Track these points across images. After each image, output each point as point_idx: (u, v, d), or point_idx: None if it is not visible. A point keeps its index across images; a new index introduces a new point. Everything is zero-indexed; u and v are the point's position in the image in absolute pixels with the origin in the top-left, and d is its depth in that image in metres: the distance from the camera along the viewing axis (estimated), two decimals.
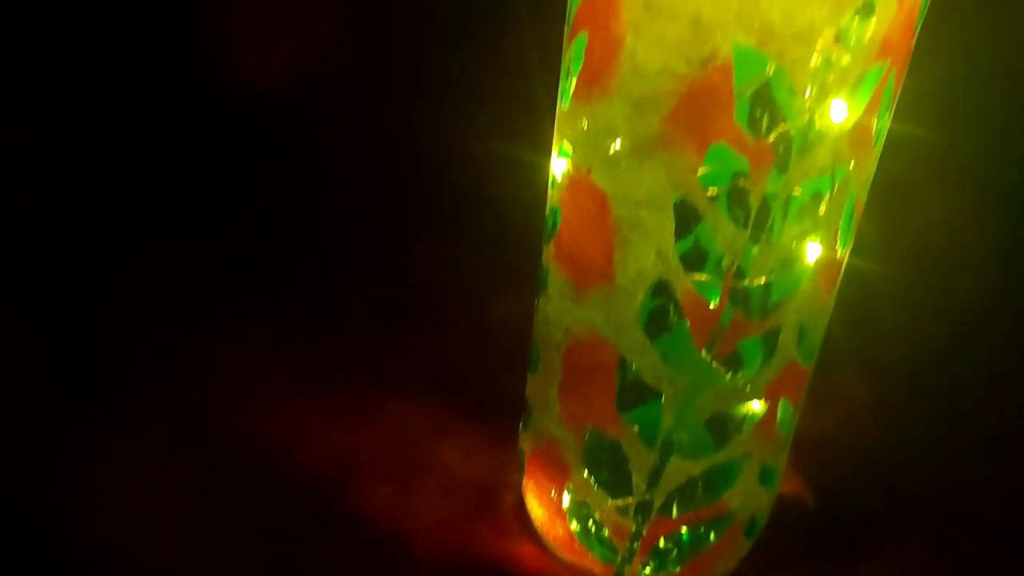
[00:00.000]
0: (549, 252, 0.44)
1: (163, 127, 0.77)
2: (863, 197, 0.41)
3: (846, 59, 0.34)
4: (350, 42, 0.78)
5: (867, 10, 0.33)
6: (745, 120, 0.35)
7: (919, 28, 0.37)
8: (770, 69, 0.34)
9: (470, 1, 0.72)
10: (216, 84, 0.79)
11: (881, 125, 0.38)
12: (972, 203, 0.70)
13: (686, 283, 0.39)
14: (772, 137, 0.35)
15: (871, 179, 0.41)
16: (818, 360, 0.45)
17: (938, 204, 0.70)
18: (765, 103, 0.35)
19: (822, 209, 0.38)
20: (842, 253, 0.41)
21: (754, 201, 0.37)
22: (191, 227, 0.73)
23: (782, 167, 0.36)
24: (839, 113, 0.35)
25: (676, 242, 0.38)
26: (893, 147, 0.42)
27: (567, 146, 0.40)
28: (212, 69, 0.79)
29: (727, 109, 0.35)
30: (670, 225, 0.38)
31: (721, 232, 0.37)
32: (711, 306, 0.39)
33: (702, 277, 0.39)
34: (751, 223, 0.37)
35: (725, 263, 0.38)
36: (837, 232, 0.40)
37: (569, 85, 0.39)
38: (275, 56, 0.80)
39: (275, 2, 0.79)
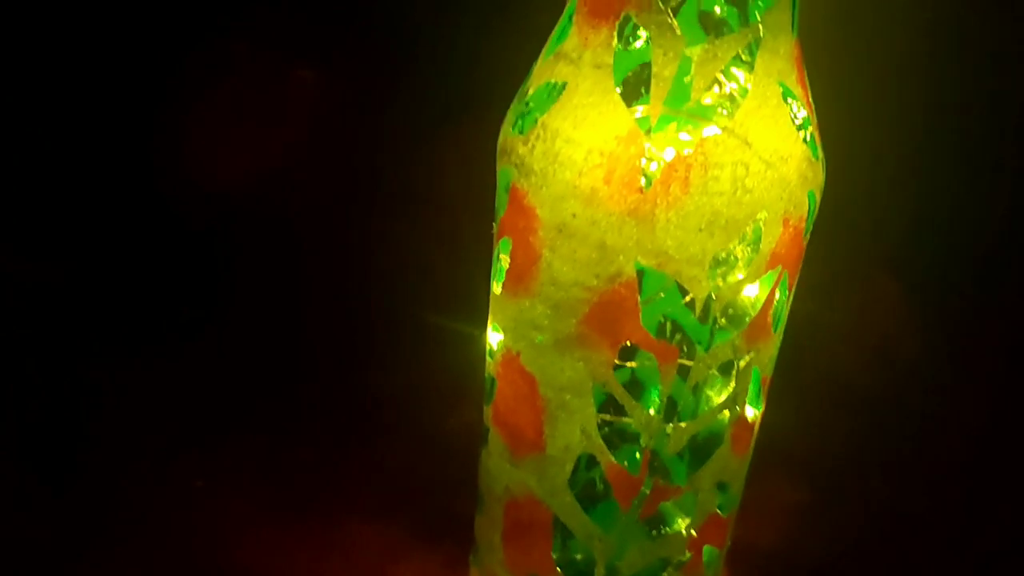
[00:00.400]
0: (488, 414, 0.47)
1: (125, 242, 0.80)
2: (770, 369, 0.45)
3: (735, 277, 0.38)
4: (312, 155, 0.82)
5: (754, 237, 0.37)
6: (651, 326, 0.39)
7: (808, 234, 0.41)
8: (669, 284, 0.38)
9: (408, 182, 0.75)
10: (181, 190, 0.82)
11: (779, 314, 0.42)
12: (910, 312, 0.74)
13: (609, 457, 0.42)
14: (676, 339, 0.39)
15: (776, 354, 0.44)
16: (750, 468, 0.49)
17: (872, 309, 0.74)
18: (667, 313, 0.38)
19: (730, 387, 0.42)
20: (754, 417, 0.45)
21: (664, 389, 0.41)
22: (145, 346, 0.76)
23: (688, 361, 0.40)
24: (736, 316, 0.39)
25: (597, 423, 0.42)
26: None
27: (498, 328, 0.44)
28: (180, 175, 0.82)
29: (634, 316, 0.39)
30: (592, 408, 0.41)
31: (637, 415, 0.41)
32: (633, 476, 0.42)
33: (624, 452, 0.42)
34: (663, 407, 0.41)
35: (643, 441, 0.42)
36: (746, 403, 0.43)
37: (499, 274, 0.43)
38: (240, 163, 0.83)
39: (240, 112, 0.83)
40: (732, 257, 0.37)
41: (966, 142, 0.71)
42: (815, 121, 0.39)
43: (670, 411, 0.41)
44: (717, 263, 0.37)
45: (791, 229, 0.38)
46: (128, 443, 0.67)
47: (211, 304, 0.80)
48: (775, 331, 0.42)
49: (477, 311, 0.48)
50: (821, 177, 0.40)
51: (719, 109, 0.36)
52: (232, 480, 0.65)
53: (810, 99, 0.39)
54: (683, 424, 0.41)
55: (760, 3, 0.36)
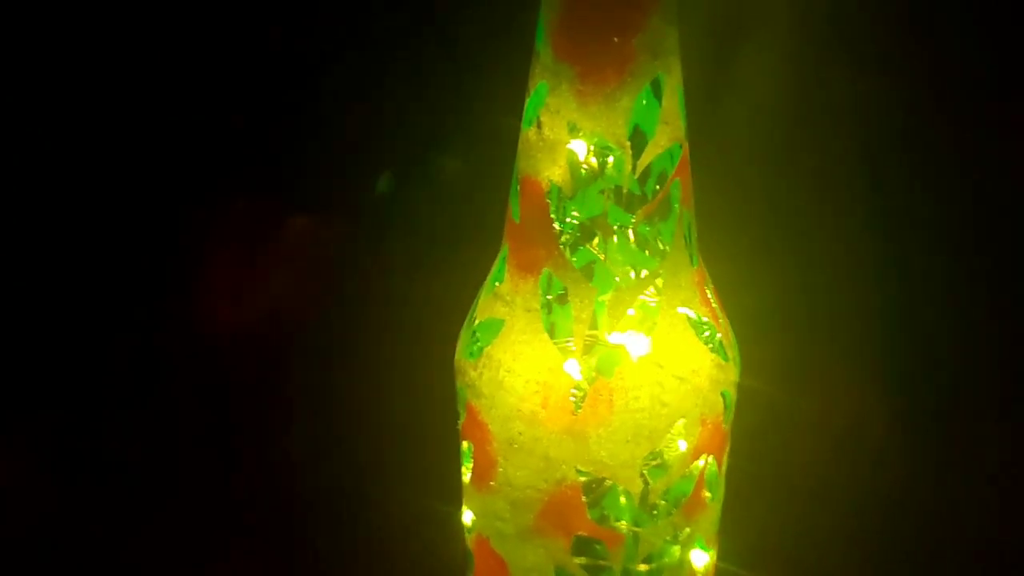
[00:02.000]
0: None
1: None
2: (715, 528, 0.50)
3: (665, 473, 0.44)
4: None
5: (677, 439, 0.43)
6: (595, 518, 0.45)
7: (729, 423, 0.47)
8: (608, 484, 0.44)
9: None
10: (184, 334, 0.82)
11: (714, 487, 0.48)
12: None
13: None
14: (623, 527, 0.45)
15: (718, 516, 0.50)
16: None
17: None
18: (608, 509, 0.44)
19: (675, 553, 0.48)
20: (707, 563, 0.51)
21: (617, 566, 0.46)
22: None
23: (632, 547, 0.46)
24: (673, 499, 0.45)
25: None
26: None
27: (471, 510, 0.50)
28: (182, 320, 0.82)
29: (582, 512, 0.45)
30: None
31: None
32: None
33: None
34: None
35: None
36: (693, 553, 0.49)
37: (467, 461, 0.49)
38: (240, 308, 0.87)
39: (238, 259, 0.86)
40: (660, 459, 0.43)
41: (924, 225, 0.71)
42: (724, 324, 0.46)
43: None
44: (647, 464, 0.43)
45: (709, 425, 0.44)
46: None
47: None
48: (711, 501, 0.48)
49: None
50: (733, 374, 0.46)
51: (632, 342, 0.42)
52: None
53: (715, 309, 0.45)
54: None
55: (659, 256, 0.42)
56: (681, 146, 0.43)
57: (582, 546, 0.46)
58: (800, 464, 0.71)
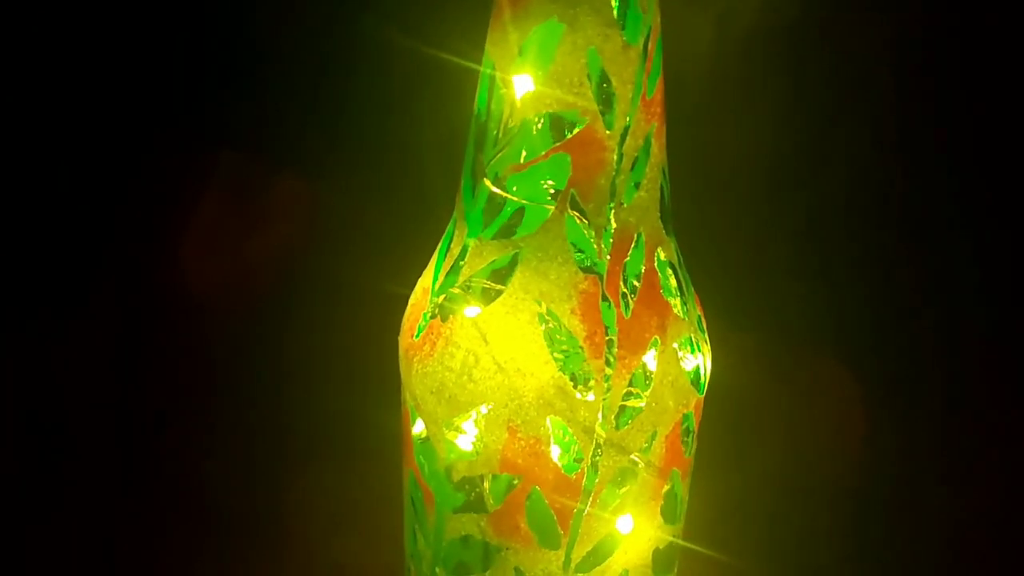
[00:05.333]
0: None
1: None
2: None
3: (469, 457, 0.41)
4: None
5: (476, 428, 0.40)
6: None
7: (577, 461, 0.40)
8: (422, 434, 0.43)
9: None
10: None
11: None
12: None
13: None
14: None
15: None
16: None
17: None
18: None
19: None
20: None
21: None
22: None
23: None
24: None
25: None
26: None
27: None
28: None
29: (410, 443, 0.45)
30: None
31: None
32: None
33: None
34: None
35: None
36: None
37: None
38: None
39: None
40: (459, 433, 0.41)
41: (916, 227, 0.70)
42: (594, 355, 0.39)
43: None
44: (449, 429, 0.41)
45: (519, 440, 0.40)
46: None
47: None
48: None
49: None
50: (580, 411, 0.39)
51: (471, 301, 0.40)
52: None
53: (595, 335, 0.39)
54: None
55: (525, 224, 0.39)
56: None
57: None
58: (780, 458, 0.68)
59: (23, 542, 0.63)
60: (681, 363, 0.40)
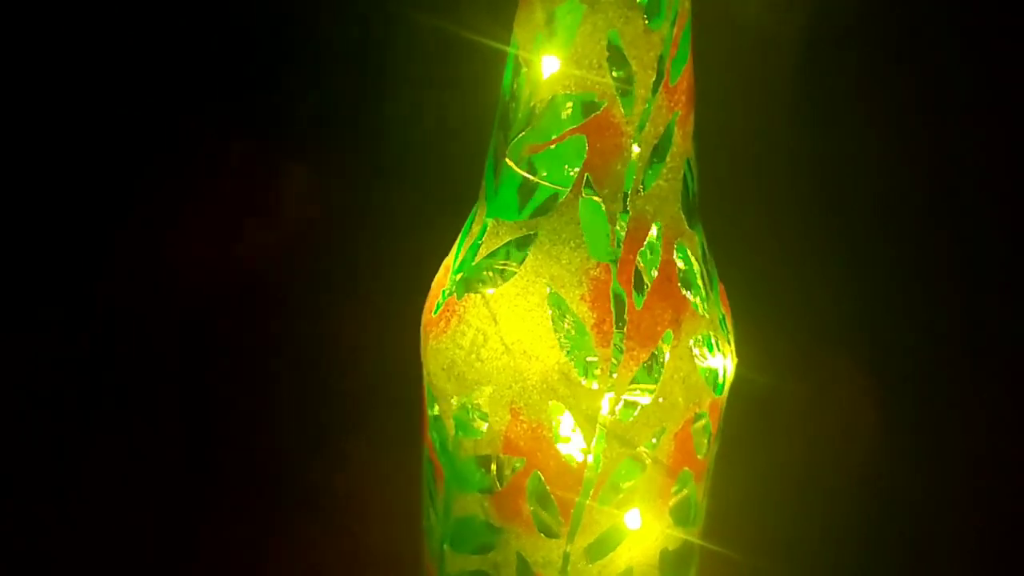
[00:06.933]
0: None
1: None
2: None
3: (473, 434, 0.42)
4: None
5: (478, 409, 0.41)
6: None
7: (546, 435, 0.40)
8: (435, 413, 0.44)
9: None
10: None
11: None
12: None
13: None
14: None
15: None
16: None
17: None
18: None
19: None
20: None
21: None
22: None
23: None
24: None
25: None
26: None
27: None
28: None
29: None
30: None
31: None
32: None
33: None
34: None
35: None
36: None
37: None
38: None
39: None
40: (467, 411, 0.41)
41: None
42: (601, 343, 0.38)
43: None
44: (457, 406, 0.42)
45: (522, 423, 0.40)
46: None
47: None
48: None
49: None
50: (583, 398, 0.38)
51: (485, 281, 0.40)
52: None
53: (604, 323, 0.38)
54: None
55: (542, 206, 0.38)
56: None
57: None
58: (791, 455, 0.68)
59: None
60: (695, 360, 0.39)
